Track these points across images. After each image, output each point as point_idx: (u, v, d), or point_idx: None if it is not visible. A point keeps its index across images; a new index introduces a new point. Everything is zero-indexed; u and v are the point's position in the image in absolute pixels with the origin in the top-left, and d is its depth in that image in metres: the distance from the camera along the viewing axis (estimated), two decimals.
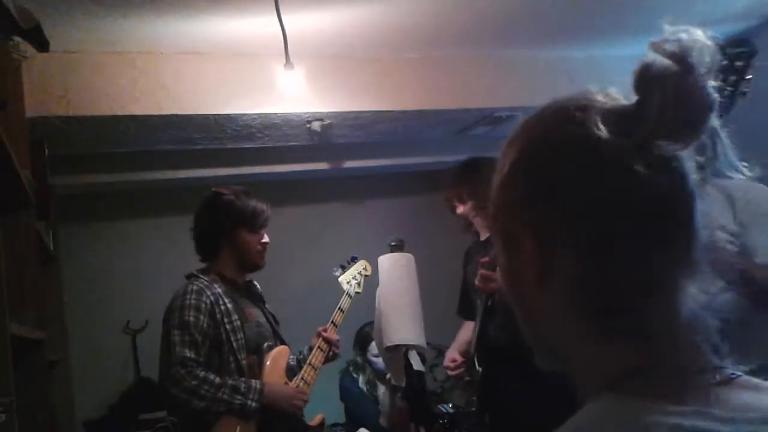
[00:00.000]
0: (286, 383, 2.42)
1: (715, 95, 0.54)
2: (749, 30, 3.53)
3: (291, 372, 2.50)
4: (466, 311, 2.79)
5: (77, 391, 3.65)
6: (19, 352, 1.56)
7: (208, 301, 2.28)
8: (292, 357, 2.54)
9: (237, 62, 3.08)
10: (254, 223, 2.42)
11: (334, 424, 3.85)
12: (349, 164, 4.20)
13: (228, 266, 2.43)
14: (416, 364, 1.89)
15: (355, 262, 2.90)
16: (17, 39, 2.08)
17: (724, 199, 1.93)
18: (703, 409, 0.51)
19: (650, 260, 0.55)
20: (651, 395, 0.52)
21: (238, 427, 2.20)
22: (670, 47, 0.54)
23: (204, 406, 2.16)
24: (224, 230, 2.40)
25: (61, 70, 2.79)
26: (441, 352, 3.61)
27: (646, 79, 0.55)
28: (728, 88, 1.62)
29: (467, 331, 2.75)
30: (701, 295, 0.56)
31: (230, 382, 2.21)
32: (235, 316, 2.31)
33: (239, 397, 2.19)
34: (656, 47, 0.55)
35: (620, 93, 0.59)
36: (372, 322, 2.67)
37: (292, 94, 2.97)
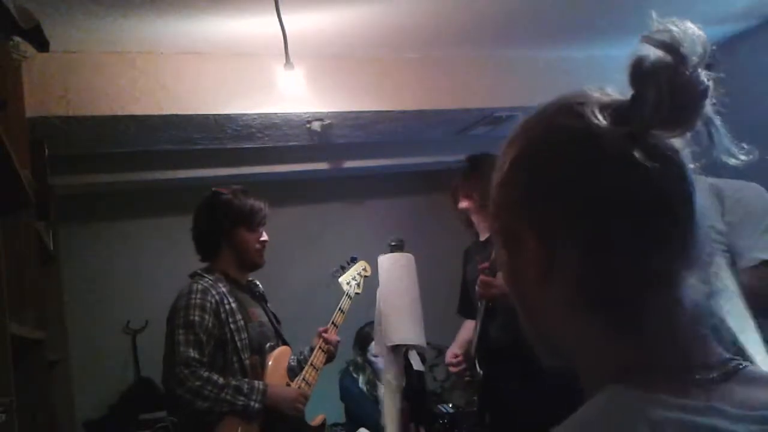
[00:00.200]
0: (287, 384, 2.42)
1: (708, 83, 0.55)
2: (749, 30, 3.53)
3: (292, 372, 2.50)
4: (466, 310, 2.79)
5: (77, 391, 3.65)
6: (19, 352, 1.56)
7: (213, 301, 2.28)
8: (292, 357, 2.54)
9: (237, 62, 3.08)
10: (252, 221, 2.42)
11: (335, 424, 3.85)
12: (349, 164, 4.20)
13: (230, 265, 2.43)
14: (416, 364, 1.89)
15: (355, 263, 2.91)
16: (17, 39, 2.07)
17: (714, 197, 1.93)
18: (711, 404, 0.51)
19: (651, 253, 0.55)
20: (656, 389, 0.52)
21: (240, 428, 2.20)
22: (660, 38, 0.55)
23: (207, 407, 2.16)
24: (223, 229, 2.40)
25: (61, 70, 2.79)
26: (441, 352, 3.61)
27: (639, 71, 0.55)
28: None
29: (467, 330, 2.75)
30: (703, 286, 0.56)
31: (233, 382, 2.21)
32: (239, 316, 2.31)
33: (242, 397, 2.19)
34: (648, 40, 0.55)
35: (617, 91, 0.60)
36: (372, 322, 2.67)
37: (292, 94, 2.97)
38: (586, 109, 0.57)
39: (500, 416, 2.47)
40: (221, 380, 2.19)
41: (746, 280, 1.81)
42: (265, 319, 2.48)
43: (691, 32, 0.55)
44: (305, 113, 3.27)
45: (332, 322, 2.63)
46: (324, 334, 2.55)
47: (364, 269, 2.88)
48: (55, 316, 2.94)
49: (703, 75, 0.54)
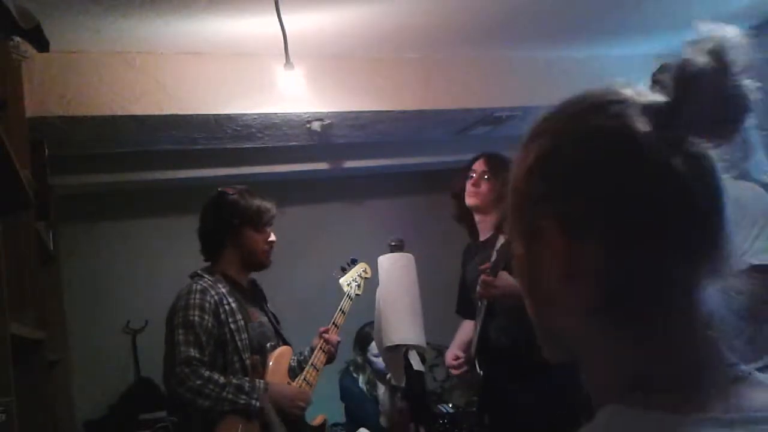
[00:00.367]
0: (288, 383, 2.42)
1: (753, 95, 0.54)
2: (749, 30, 3.52)
3: (292, 372, 2.50)
4: (464, 310, 2.79)
5: (77, 391, 3.65)
6: (19, 352, 1.56)
7: (212, 301, 2.28)
8: (293, 358, 2.54)
9: (237, 62, 3.08)
10: (259, 221, 2.42)
11: (335, 424, 3.85)
12: (349, 164, 4.20)
13: (231, 265, 2.43)
14: (416, 364, 1.89)
15: (355, 264, 2.91)
16: (17, 39, 2.08)
17: None
18: (720, 416, 0.50)
19: (677, 259, 0.54)
20: (670, 402, 0.51)
21: (241, 427, 2.20)
22: (706, 45, 0.54)
23: (209, 406, 2.16)
24: (229, 229, 2.41)
25: (61, 70, 2.79)
26: (441, 352, 3.61)
27: (683, 77, 0.54)
28: None
29: (466, 330, 2.74)
30: (722, 294, 0.56)
31: (234, 381, 2.21)
32: (239, 316, 2.31)
33: (243, 396, 2.20)
34: (692, 45, 0.55)
35: (647, 89, 0.58)
36: (372, 322, 2.67)
37: (292, 94, 2.97)
38: (624, 110, 0.56)
39: (500, 416, 2.47)
40: (222, 379, 2.19)
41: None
42: (265, 319, 2.48)
43: (736, 39, 0.54)
44: (305, 113, 3.27)
45: (333, 323, 2.63)
46: (324, 335, 2.55)
47: (365, 271, 2.88)
48: (55, 316, 2.94)
49: (748, 86, 0.54)
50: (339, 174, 4.47)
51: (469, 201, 2.59)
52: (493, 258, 2.25)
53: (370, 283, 2.69)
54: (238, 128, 3.33)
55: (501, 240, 2.26)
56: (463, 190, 2.61)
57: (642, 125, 0.55)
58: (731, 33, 0.54)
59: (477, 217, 2.63)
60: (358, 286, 2.83)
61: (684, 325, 0.55)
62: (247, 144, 3.62)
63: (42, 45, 1.99)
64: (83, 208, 4.05)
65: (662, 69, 0.60)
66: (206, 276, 2.37)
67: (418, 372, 1.88)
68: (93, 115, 2.87)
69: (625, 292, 0.55)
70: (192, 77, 3.02)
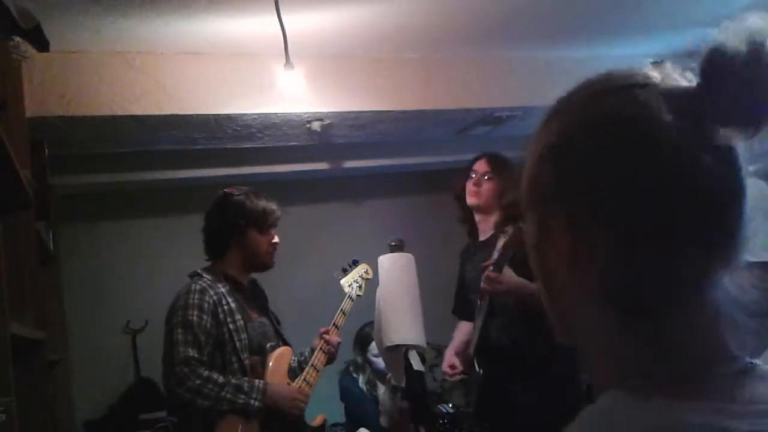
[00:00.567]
0: (288, 384, 2.42)
1: None
2: None
3: (292, 373, 2.50)
4: (461, 311, 2.78)
5: (77, 391, 3.65)
6: (19, 352, 1.56)
7: (211, 301, 2.28)
8: (293, 358, 2.54)
9: (237, 62, 3.08)
10: (264, 223, 2.42)
11: (335, 424, 3.85)
12: (349, 164, 4.20)
13: (233, 266, 2.43)
14: (416, 364, 1.89)
15: (357, 265, 2.91)
16: (17, 39, 2.07)
17: None
18: (723, 405, 0.50)
19: (688, 257, 0.52)
20: (672, 391, 0.51)
21: (241, 427, 2.20)
22: (743, 32, 0.51)
23: (208, 405, 2.16)
24: (234, 230, 2.41)
25: (61, 70, 2.79)
26: (441, 352, 3.60)
27: (716, 62, 0.51)
28: None
29: (463, 331, 2.74)
30: (733, 288, 0.54)
31: (234, 381, 2.21)
32: (238, 316, 2.31)
33: (242, 396, 2.20)
34: (729, 30, 0.51)
35: (678, 73, 0.55)
36: (372, 322, 2.67)
37: (292, 94, 2.97)
38: (644, 94, 0.54)
39: (500, 416, 2.47)
40: (221, 379, 2.19)
41: None
42: (265, 319, 2.48)
43: None
44: (305, 113, 3.27)
45: (334, 324, 2.63)
46: (325, 336, 2.55)
47: (366, 272, 2.88)
48: (55, 316, 2.94)
49: None
50: (339, 174, 4.47)
51: (471, 201, 2.59)
52: (498, 254, 2.25)
53: (371, 283, 2.69)
54: (238, 128, 3.33)
55: (501, 240, 2.26)
56: (464, 190, 2.61)
57: (662, 112, 0.52)
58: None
59: (477, 217, 2.63)
60: (359, 287, 2.83)
61: (691, 321, 0.54)
62: (247, 144, 3.62)
63: (42, 45, 1.99)
64: (83, 208, 4.05)
65: (656, 63, 0.58)
66: (206, 276, 2.37)
67: (418, 372, 1.88)
68: (93, 115, 2.87)
69: (633, 287, 0.54)
70: (192, 77, 3.02)
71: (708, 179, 0.51)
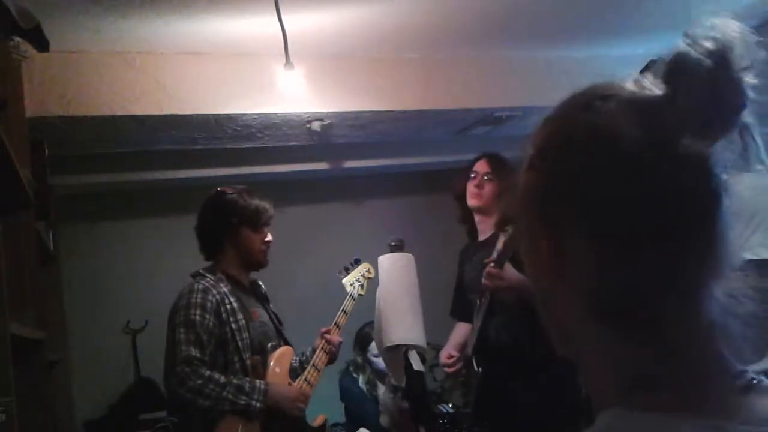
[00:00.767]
0: (289, 384, 2.42)
1: (749, 92, 0.51)
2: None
3: (294, 373, 2.50)
4: (460, 312, 2.78)
5: (77, 391, 3.65)
6: (19, 352, 1.56)
7: (213, 300, 2.28)
8: (294, 358, 2.54)
9: (237, 62, 3.08)
10: (257, 221, 2.42)
11: (335, 424, 3.85)
12: (349, 164, 4.20)
13: (232, 265, 2.43)
14: (416, 364, 1.89)
15: (358, 265, 2.91)
16: (17, 39, 2.07)
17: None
18: (725, 424, 0.49)
19: (665, 262, 0.52)
20: (671, 406, 0.50)
21: (241, 427, 2.20)
22: (706, 39, 0.51)
23: (209, 405, 2.16)
24: (227, 228, 2.41)
25: (61, 70, 2.79)
26: (440, 352, 3.61)
27: (678, 70, 0.52)
28: None
29: (459, 333, 2.74)
30: (726, 297, 0.54)
31: (235, 381, 2.21)
32: (240, 316, 2.31)
33: (244, 396, 2.19)
34: (692, 37, 0.52)
35: (654, 82, 0.55)
36: (372, 322, 2.67)
37: (292, 94, 2.97)
38: (606, 105, 0.54)
39: (499, 415, 2.47)
40: (222, 379, 2.19)
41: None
42: (266, 319, 2.48)
43: (739, 34, 0.51)
44: (305, 113, 3.27)
45: (335, 323, 2.63)
46: (326, 335, 2.55)
47: (368, 271, 2.88)
48: (55, 316, 2.94)
49: (747, 82, 0.51)
50: (339, 174, 4.47)
51: (472, 202, 2.58)
52: (499, 251, 2.24)
53: (372, 283, 2.69)
54: (238, 128, 3.33)
55: (502, 237, 2.26)
56: (465, 191, 2.61)
57: (625, 123, 0.53)
58: (734, 27, 0.52)
59: (477, 218, 2.63)
60: (361, 286, 2.83)
61: (683, 330, 0.53)
62: (247, 144, 3.62)
63: (42, 45, 1.99)
64: (83, 208, 4.05)
65: (650, 65, 0.58)
66: (208, 275, 2.37)
67: (418, 372, 1.88)
68: (93, 115, 2.87)
69: (615, 294, 0.54)
70: (192, 77, 3.02)
71: (672, 186, 0.51)
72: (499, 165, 2.55)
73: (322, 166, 4.16)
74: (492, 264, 2.25)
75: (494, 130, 3.91)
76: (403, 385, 1.93)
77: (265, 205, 2.46)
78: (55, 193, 3.00)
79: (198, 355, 2.19)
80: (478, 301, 2.46)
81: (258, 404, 2.21)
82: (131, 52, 2.91)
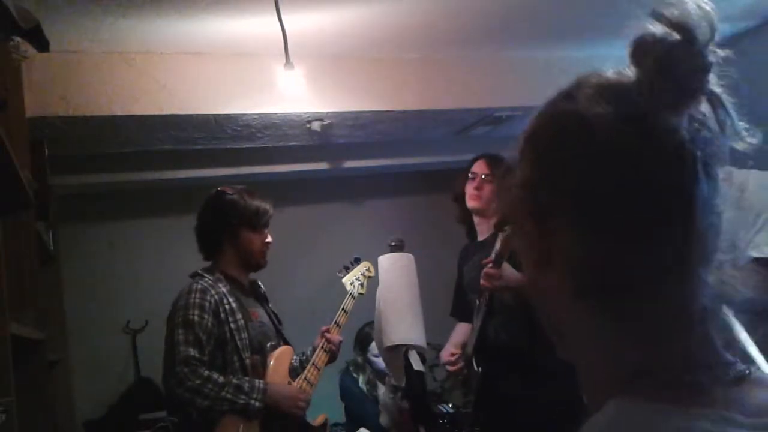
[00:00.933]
0: (289, 383, 2.42)
1: (712, 60, 0.52)
2: (749, 30, 3.53)
3: (294, 372, 2.50)
4: (459, 313, 2.78)
5: (77, 391, 3.65)
6: (19, 352, 1.56)
7: (212, 300, 2.28)
8: (294, 358, 2.54)
9: (237, 62, 3.08)
10: (257, 222, 2.42)
11: (335, 424, 3.85)
12: (349, 164, 4.20)
13: (231, 265, 2.43)
14: (416, 364, 1.89)
15: (358, 263, 2.91)
16: (17, 39, 2.07)
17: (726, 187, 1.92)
18: (719, 412, 0.49)
19: (647, 244, 0.52)
20: (668, 397, 0.50)
21: (241, 427, 2.20)
22: (669, 14, 0.52)
23: (207, 405, 2.16)
24: (226, 229, 2.41)
25: (61, 70, 2.79)
26: (440, 352, 3.61)
27: (641, 47, 0.53)
28: None
29: (460, 333, 2.74)
30: (717, 285, 0.54)
31: (234, 381, 2.21)
32: (239, 315, 2.31)
33: (243, 396, 2.19)
34: (656, 15, 0.53)
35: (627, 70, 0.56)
36: (372, 322, 2.66)
37: (292, 94, 2.97)
38: (583, 92, 0.55)
39: (499, 415, 2.47)
40: (221, 379, 2.19)
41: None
42: (266, 319, 2.48)
43: (702, 7, 0.52)
44: (305, 113, 3.27)
45: (335, 322, 2.63)
46: (326, 334, 2.55)
47: (368, 270, 2.88)
48: (55, 316, 2.94)
49: (710, 53, 0.52)
50: (339, 174, 4.47)
51: (471, 204, 2.58)
52: (497, 250, 2.24)
53: (372, 282, 2.69)
54: (238, 128, 3.33)
55: (501, 237, 2.26)
56: (464, 192, 2.61)
57: (597, 106, 0.53)
58: (695, 1, 0.52)
59: (477, 219, 2.63)
60: (361, 285, 2.83)
61: (675, 317, 0.53)
62: (247, 144, 3.62)
63: (42, 45, 1.99)
64: (83, 208, 4.05)
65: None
66: (207, 276, 2.37)
67: (418, 372, 1.88)
68: (93, 115, 2.87)
69: (603, 280, 0.54)
70: (192, 77, 3.02)
71: (647, 166, 0.52)
72: (497, 165, 2.55)
73: (322, 166, 4.16)
74: (490, 264, 2.25)
75: (494, 130, 3.91)
76: (403, 385, 1.93)
77: (266, 205, 2.45)
78: (55, 193, 3.00)
79: (197, 355, 2.19)
80: (477, 301, 2.46)
81: (257, 403, 2.21)
82: (131, 52, 2.91)
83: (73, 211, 3.82)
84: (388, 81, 3.36)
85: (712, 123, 0.53)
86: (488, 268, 2.26)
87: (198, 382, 2.15)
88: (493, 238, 2.38)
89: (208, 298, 2.27)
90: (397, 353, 1.92)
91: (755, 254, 1.93)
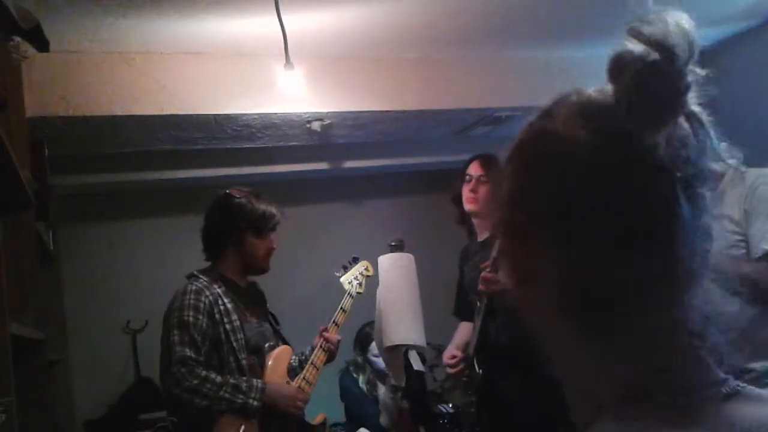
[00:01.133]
0: (287, 383, 2.42)
1: (691, 79, 0.51)
2: (749, 30, 3.53)
3: (293, 372, 2.50)
4: (462, 312, 2.78)
5: (77, 391, 3.65)
6: (19, 352, 1.56)
7: (206, 301, 2.28)
8: (293, 357, 2.54)
9: (237, 62, 3.08)
10: (263, 227, 2.42)
11: (335, 424, 3.85)
12: (349, 164, 4.20)
13: (231, 267, 2.43)
14: (416, 364, 1.89)
15: (357, 263, 2.91)
16: (17, 39, 2.07)
17: (741, 186, 1.93)
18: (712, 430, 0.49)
19: (632, 264, 0.52)
20: (655, 417, 0.50)
21: (240, 426, 2.20)
22: (648, 32, 0.51)
23: (206, 405, 2.16)
24: (233, 232, 2.41)
25: (61, 70, 2.79)
26: (441, 352, 3.60)
27: (618, 65, 0.53)
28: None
29: (463, 332, 2.74)
30: (705, 305, 0.53)
31: (232, 380, 2.21)
32: (234, 316, 2.31)
33: (241, 395, 2.20)
34: (635, 33, 0.52)
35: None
36: (372, 322, 2.67)
37: (292, 94, 2.97)
38: (559, 111, 0.56)
39: (500, 416, 2.47)
40: (219, 378, 2.19)
41: (750, 270, 1.81)
42: (263, 319, 2.48)
43: (681, 26, 0.51)
44: (305, 113, 3.27)
45: (333, 322, 2.63)
46: (325, 333, 2.55)
47: (366, 269, 2.88)
48: (55, 316, 2.94)
49: (689, 72, 0.51)
50: (339, 174, 4.47)
51: (468, 207, 2.57)
52: (495, 254, 2.24)
53: (371, 282, 2.69)
54: (238, 128, 3.33)
55: (497, 243, 2.25)
56: (461, 194, 2.60)
57: (575, 126, 0.53)
58: (675, 18, 0.52)
59: (475, 221, 2.62)
60: (360, 284, 2.83)
61: (660, 337, 0.53)
62: (247, 144, 3.62)
63: (42, 45, 1.99)
64: (83, 208, 4.05)
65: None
66: (202, 277, 2.37)
67: (418, 372, 1.88)
68: (93, 115, 2.87)
69: (581, 299, 0.54)
70: (192, 77, 3.02)
71: (628, 187, 0.51)
72: (493, 165, 2.54)
73: (322, 166, 4.16)
74: (488, 269, 2.25)
75: (494, 130, 3.91)
76: (403, 385, 1.93)
77: (272, 210, 2.45)
78: (55, 193, 3.00)
79: (193, 355, 2.19)
80: (477, 303, 2.47)
81: (255, 403, 2.21)
82: (131, 52, 2.91)
83: (73, 211, 3.82)
84: (388, 81, 3.36)
85: (691, 143, 0.52)
86: (486, 273, 2.26)
87: (196, 382, 2.15)
88: (493, 238, 2.39)
89: (203, 299, 2.28)
90: (397, 353, 1.92)
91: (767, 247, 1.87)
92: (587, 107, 0.55)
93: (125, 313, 4.17)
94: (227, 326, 2.28)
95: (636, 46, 0.51)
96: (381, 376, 3.71)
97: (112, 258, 4.22)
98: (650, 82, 0.50)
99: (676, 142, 0.51)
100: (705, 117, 0.53)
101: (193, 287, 2.30)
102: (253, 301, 2.51)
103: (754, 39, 3.53)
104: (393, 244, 2.08)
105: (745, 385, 0.54)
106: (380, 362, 3.50)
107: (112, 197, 4.19)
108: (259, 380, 2.27)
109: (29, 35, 1.93)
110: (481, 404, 2.58)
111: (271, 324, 2.52)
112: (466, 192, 2.57)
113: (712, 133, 0.53)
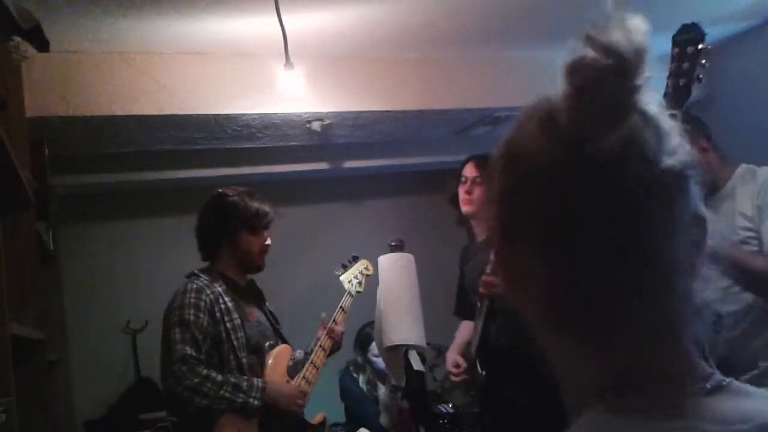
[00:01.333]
0: (287, 382, 2.42)
1: (640, 82, 0.52)
2: (749, 30, 3.53)
3: (292, 371, 2.50)
4: (462, 311, 2.78)
5: (77, 391, 3.65)
6: (19, 352, 1.56)
7: (207, 300, 2.28)
8: (299, 351, 2.55)
9: (237, 62, 3.08)
10: (256, 225, 2.43)
11: (335, 424, 3.85)
12: (349, 164, 4.20)
13: (229, 266, 2.44)
14: (416, 364, 1.89)
15: (357, 262, 2.91)
16: (17, 39, 2.07)
17: (753, 183, 1.95)
18: (697, 424, 0.50)
19: (605, 265, 0.53)
20: (640, 411, 0.51)
21: (240, 425, 2.20)
22: (600, 38, 0.53)
23: (206, 404, 2.16)
24: (226, 230, 2.41)
25: (61, 70, 2.79)
26: (441, 352, 3.61)
27: (570, 71, 0.55)
28: (682, 78, 1.62)
29: (464, 332, 2.74)
30: (692, 299, 0.54)
31: (232, 380, 2.21)
32: (235, 315, 2.32)
33: (241, 395, 2.20)
34: (587, 39, 0.54)
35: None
36: (372, 322, 2.67)
37: (292, 94, 2.97)
38: (526, 120, 0.58)
39: (501, 416, 2.47)
40: (220, 377, 2.19)
41: (763, 265, 1.83)
42: (263, 318, 2.49)
43: (635, 31, 0.53)
44: (305, 113, 3.27)
45: (333, 320, 2.63)
46: (328, 325, 2.57)
47: (366, 268, 2.89)
48: (55, 316, 2.94)
49: (639, 75, 0.52)
50: (339, 174, 4.47)
51: (464, 209, 2.56)
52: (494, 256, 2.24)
53: (371, 282, 2.69)
54: (238, 128, 3.33)
55: None
56: (457, 195, 2.60)
57: (538, 136, 0.55)
58: (632, 23, 0.53)
59: (473, 222, 2.62)
60: (359, 283, 2.83)
61: (643, 334, 0.54)
62: (247, 144, 3.62)
63: (42, 45, 1.99)
64: (83, 208, 4.05)
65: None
66: (202, 275, 2.37)
67: (418, 372, 1.88)
68: (93, 115, 2.87)
69: (566, 299, 0.55)
70: (192, 77, 3.02)
71: (591, 192, 0.52)
72: (487, 166, 2.53)
73: (322, 166, 4.16)
74: (488, 271, 2.25)
75: (494, 130, 3.91)
76: (403, 385, 1.93)
77: (266, 208, 2.46)
78: (55, 193, 3.00)
79: (194, 353, 2.19)
80: (478, 303, 2.47)
81: (256, 402, 2.21)
82: (131, 52, 2.91)
83: (73, 211, 3.82)
84: (388, 81, 3.36)
85: (646, 143, 0.53)
86: (485, 276, 2.26)
87: (196, 380, 2.15)
88: (491, 239, 2.38)
89: (204, 297, 2.28)
90: (397, 353, 1.92)
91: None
92: (548, 115, 0.56)
93: (125, 313, 4.17)
94: (228, 325, 2.28)
95: (589, 52, 0.53)
96: (381, 376, 3.71)
97: (112, 258, 4.22)
98: (600, 86, 0.52)
99: (629, 143, 0.52)
100: (660, 117, 0.54)
101: (194, 286, 2.31)
102: (253, 299, 2.51)
103: (754, 39, 3.53)
104: (393, 244, 2.08)
105: (731, 379, 0.55)
106: (380, 362, 3.50)
107: (112, 197, 4.19)
108: (259, 379, 2.27)
109: (29, 35, 1.93)
110: (483, 405, 2.58)
111: (270, 323, 2.52)
112: (461, 194, 2.56)
113: (666, 132, 0.54)
